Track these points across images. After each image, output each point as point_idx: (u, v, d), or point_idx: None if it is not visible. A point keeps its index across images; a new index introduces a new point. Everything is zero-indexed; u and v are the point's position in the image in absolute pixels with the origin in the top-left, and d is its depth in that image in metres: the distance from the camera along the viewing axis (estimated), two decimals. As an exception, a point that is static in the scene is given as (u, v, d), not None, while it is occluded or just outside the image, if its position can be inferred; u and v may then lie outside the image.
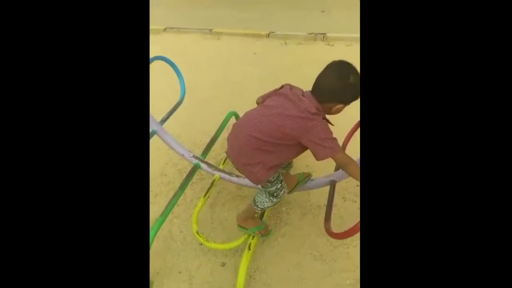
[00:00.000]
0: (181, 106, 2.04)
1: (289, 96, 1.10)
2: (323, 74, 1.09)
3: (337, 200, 1.74)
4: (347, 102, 1.09)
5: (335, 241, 1.53)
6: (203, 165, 1.70)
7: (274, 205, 1.33)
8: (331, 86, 1.06)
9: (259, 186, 1.29)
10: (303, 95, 1.09)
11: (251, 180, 1.22)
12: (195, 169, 1.65)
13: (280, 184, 1.27)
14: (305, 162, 2.01)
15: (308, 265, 1.47)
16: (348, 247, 1.52)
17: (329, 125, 1.11)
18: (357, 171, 1.06)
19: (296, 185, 1.52)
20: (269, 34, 4.05)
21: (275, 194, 1.28)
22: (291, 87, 1.17)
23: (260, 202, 1.32)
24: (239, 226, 1.43)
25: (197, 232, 1.45)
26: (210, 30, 4.30)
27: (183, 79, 1.98)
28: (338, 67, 1.07)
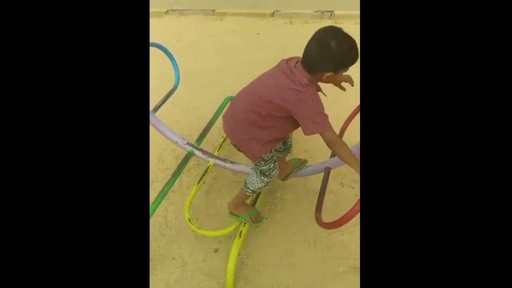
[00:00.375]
0: (181, 90, 2.01)
1: (283, 68, 1.09)
2: (308, 43, 1.06)
3: (334, 186, 1.70)
4: (333, 69, 1.03)
5: (330, 228, 1.50)
6: (197, 152, 1.68)
7: (265, 185, 1.32)
8: (313, 54, 1.03)
9: (251, 170, 1.27)
10: (295, 67, 1.07)
11: (248, 156, 1.24)
12: (189, 156, 1.64)
13: (273, 164, 1.27)
14: (304, 147, 1.97)
15: (301, 251, 1.45)
16: (342, 234, 1.49)
17: (323, 97, 1.08)
18: (345, 151, 1.03)
19: (290, 172, 1.49)
20: (273, 13, 3.90)
21: (266, 173, 1.28)
22: (288, 59, 1.14)
23: (251, 183, 1.31)
24: (230, 213, 1.42)
25: (189, 220, 1.45)
26: (213, 10, 4.18)
27: (177, 66, 1.93)
28: (320, 34, 1.03)
